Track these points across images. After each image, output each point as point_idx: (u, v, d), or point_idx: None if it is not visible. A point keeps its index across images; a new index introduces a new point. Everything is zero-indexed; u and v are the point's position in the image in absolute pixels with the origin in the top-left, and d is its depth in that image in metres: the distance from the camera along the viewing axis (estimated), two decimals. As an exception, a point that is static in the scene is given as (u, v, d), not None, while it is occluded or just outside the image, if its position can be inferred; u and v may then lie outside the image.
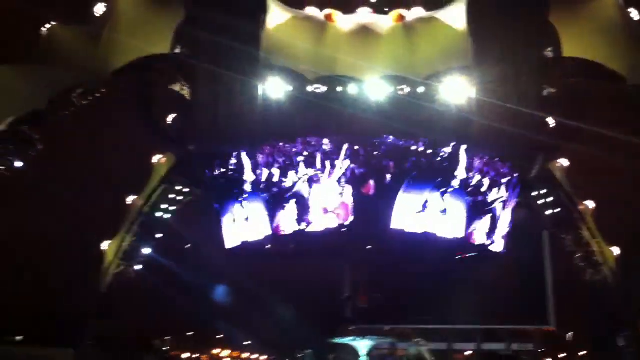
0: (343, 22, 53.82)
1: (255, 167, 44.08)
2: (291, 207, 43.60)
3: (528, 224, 49.14)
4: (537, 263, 50.15)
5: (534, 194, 49.85)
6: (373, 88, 47.91)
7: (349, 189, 44.32)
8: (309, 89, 48.89)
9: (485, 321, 46.14)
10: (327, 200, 44.16)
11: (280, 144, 45.18)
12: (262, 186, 43.68)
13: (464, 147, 44.28)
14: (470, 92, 47.58)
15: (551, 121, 47.07)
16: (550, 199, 49.60)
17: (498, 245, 46.49)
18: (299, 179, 43.75)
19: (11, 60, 58.74)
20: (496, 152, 45.51)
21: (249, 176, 43.30)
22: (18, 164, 41.22)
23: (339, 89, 48.14)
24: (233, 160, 43.89)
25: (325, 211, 43.68)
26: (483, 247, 46.14)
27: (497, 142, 45.55)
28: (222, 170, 43.78)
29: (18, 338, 56.88)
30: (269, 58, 49.90)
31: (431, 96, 47.83)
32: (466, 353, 47.84)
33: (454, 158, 44.63)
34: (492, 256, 46.28)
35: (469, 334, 46.45)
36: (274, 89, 49.21)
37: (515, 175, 45.73)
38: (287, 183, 43.46)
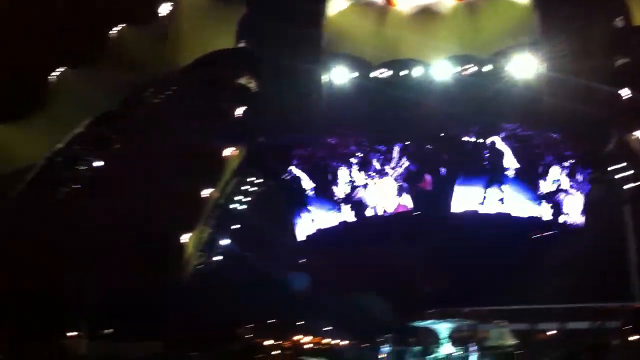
0: (404, 4, 53.50)
1: (313, 171, 44.40)
2: (354, 203, 43.99)
3: (607, 199, 47.66)
4: (618, 238, 48.64)
5: (611, 168, 48.26)
6: (438, 69, 47.40)
7: (406, 186, 44.19)
8: (373, 74, 48.81)
9: (567, 299, 45.10)
10: (387, 198, 44.23)
11: (339, 139, 45.27)
12: (325, 189, 44.13)
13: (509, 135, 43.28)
14: (538, 69, 46.51)
15: (625, 93, 45.45)
16: (629, 173, 47.91)
17: (576, 222, 45.45)
18: (356, 181, 43.86)
19: (83, 65, 61.01)
20: (567, 130, 44.31)
21: (307, 184, 43.80)
22: (97, 163, 42.54)
23: (404, 72, 47.85)
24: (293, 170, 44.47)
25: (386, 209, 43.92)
26: (559, 225, 45.19)
27: (568, 119, 44.39)
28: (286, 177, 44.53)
29: (107, 331, 59.09)
30: (331, 46, 50.10)
31: (498, 74, 47.01)
32: (549, 333, 46.85)
33: (500, 148, 43.77)
34: (571, 233, 45.24)
35: (551, 313, 45.48)
36: (337, 76, 49.35)
37: (580, 153, 44.44)
38: (346, 185, 43.65)
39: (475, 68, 48.00)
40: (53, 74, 57.18)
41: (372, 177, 44.20)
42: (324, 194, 44.88)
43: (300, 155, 45.45)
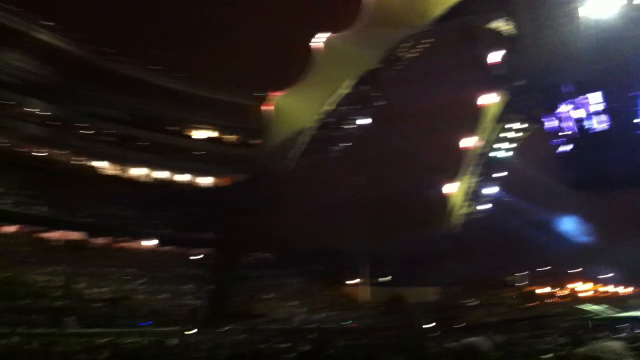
0: None
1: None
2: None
3: None
4: None
5: None
6: None
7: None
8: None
9: None
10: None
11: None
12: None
13: None
14: None
15: None
16: None
17: None
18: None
19: (343, 28, 64.55)
20: None
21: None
22: (363, 121, 45.01)
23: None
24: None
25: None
26: None
27: None
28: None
29: (386, 279, 63.32)
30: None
31: None
32: None
33: None
34: None
35: None
36: (596, 8, 45.71)
37: None
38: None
39: None
40: (316, 40, 61.44)
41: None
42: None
43: (564, 95, 43.59)
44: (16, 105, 54.92)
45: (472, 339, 4.60)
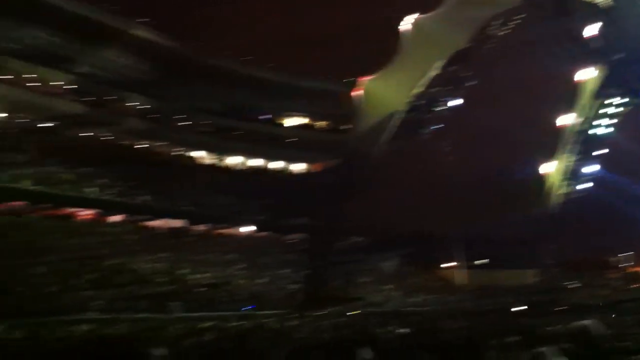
0: None
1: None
2: None
3: None
4: None
5: None
6: None
7: None
8: None
9: None
10: None
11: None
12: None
13: None
14: None
15: None
16: None
17: None
18: None
19: (431, 9, 63.59)
20: None
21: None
22: (454, 102, 44.23)
23: None
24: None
25: None
26: None
27: None
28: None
29: (482, 262, 62.38)
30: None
31: None
32: None
33: None
34: None
35: None
36: None
37: None
38: None
39: None
40: (405, 22, 60.78)
41: None
42: None
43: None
44: (118, 101, 57.51)
45: (584, 322, 4.55)
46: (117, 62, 57.59)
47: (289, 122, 71.80)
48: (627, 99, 42.43)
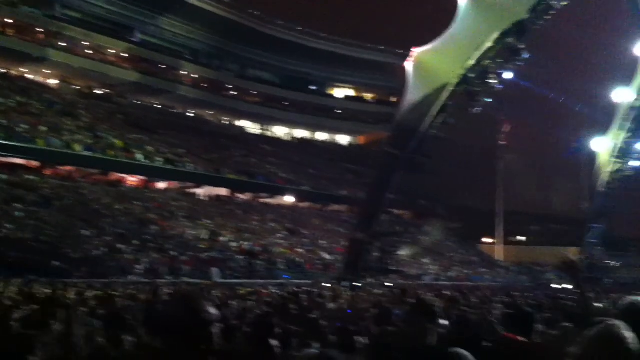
0: None
1: None
2: None
3: None
4: None
5: None
6: None
7: None
8: None
9: None
10: None
11: None
12: None
13: None
14: None
15: None
16: None
17: None
18: None
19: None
20: None
21: None
22: (507, 75, 43.04)
23: None
24: None
25: None
26: None
27: None
28: None
29: (521, 238, 61.87)
30: None
31: None
32: None
33: None
34: None
35: None
36: None
37: None
38: None
39: None
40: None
41: None
42: None
43: None
44: (169, 69, 58.24)
45: (634, 297, 4.32)
46: (171, 31, 58.22)
47: (338, 92, 71.55)
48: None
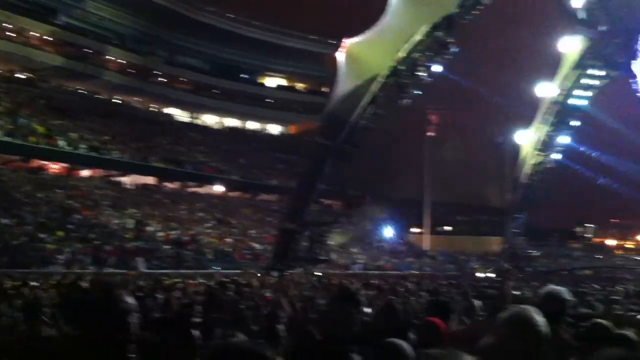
0: None
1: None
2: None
3: None
4: None
5: None
6: None
7: None
8: None
9: None
10: None
11: None
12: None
13: None
14: None
15: None
16: None
17: None
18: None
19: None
20: None
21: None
22: (437, 68, 43.76)
23: None
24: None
25: None
26: None
27: None
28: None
29: (447, 228, 63.35)
30: None
31: None
32: None
33: None
34: None
35: None
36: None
37: None
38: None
39: None
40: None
41: None
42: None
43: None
44: (95, 53, 56.51)
45: (552, 287, 4.48)
46: (97, 14, 56.48)
47: (270, 81, 71.20)
48: (604, 72, 42.00)
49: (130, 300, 3.08)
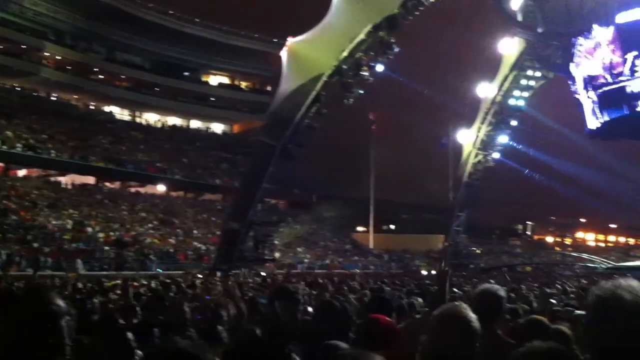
0: None
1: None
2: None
3: None
4: None
5: None
6: None
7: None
8: None
9: None
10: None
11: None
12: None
13: None
14: None
15: None
16: None
17: None
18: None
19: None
20: None
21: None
22: (379, 68, 44.16)
23: None
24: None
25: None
26: None
27: None
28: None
29: (391, 227, 64.00)
30: None
31: None
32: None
33: None
34: None
35: None
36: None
37: None
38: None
39: None
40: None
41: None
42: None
43: (583, 44, 42.01)
44: (32, 49, 54.90)
45: (488, 284, 4.54)
46: (33, 9, 54.86)
47: (213, 80, 70.53)
48: (541, 73, 43.20)
49: (61, 303, 2.97)
